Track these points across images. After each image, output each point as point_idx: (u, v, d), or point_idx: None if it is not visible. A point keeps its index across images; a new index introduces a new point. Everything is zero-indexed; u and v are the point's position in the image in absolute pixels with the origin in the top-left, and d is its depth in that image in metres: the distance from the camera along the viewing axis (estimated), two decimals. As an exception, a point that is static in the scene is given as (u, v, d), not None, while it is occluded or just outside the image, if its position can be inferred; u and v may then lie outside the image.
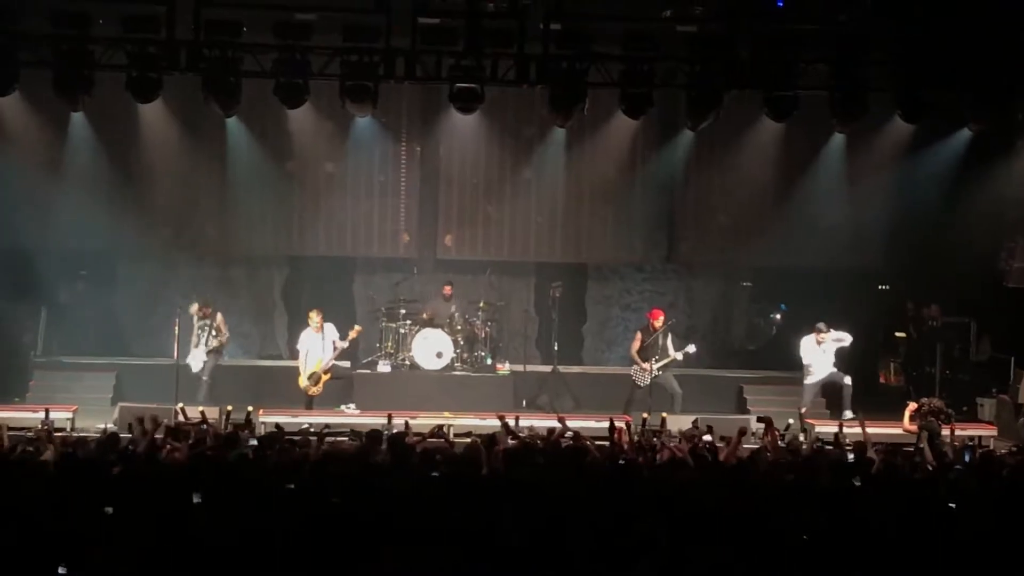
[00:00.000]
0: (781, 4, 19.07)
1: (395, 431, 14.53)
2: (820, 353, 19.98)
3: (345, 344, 19.94)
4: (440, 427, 14.89)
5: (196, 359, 19.95)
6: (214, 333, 19.92)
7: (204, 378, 19.81)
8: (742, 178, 22.65)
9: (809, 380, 20.08)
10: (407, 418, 16.44)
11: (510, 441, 13.85)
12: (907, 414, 17.07)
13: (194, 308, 20.05)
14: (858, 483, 11.51)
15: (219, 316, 20.11)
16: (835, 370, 20.05)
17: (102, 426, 16.55)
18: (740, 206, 22.91)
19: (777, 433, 15.22)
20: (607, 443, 13.71)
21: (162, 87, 18.79)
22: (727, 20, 19.15)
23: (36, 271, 21.85)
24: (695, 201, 23.22)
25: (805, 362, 20.07)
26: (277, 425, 15.20)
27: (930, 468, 12.97)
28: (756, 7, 19.16)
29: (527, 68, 18.83)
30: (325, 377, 19.75)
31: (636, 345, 20.11)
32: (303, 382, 19.76)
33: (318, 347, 19.83)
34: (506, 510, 9.94)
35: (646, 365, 19.79)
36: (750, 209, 22.80)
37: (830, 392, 20.41)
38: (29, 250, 21.59)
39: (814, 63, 19.20)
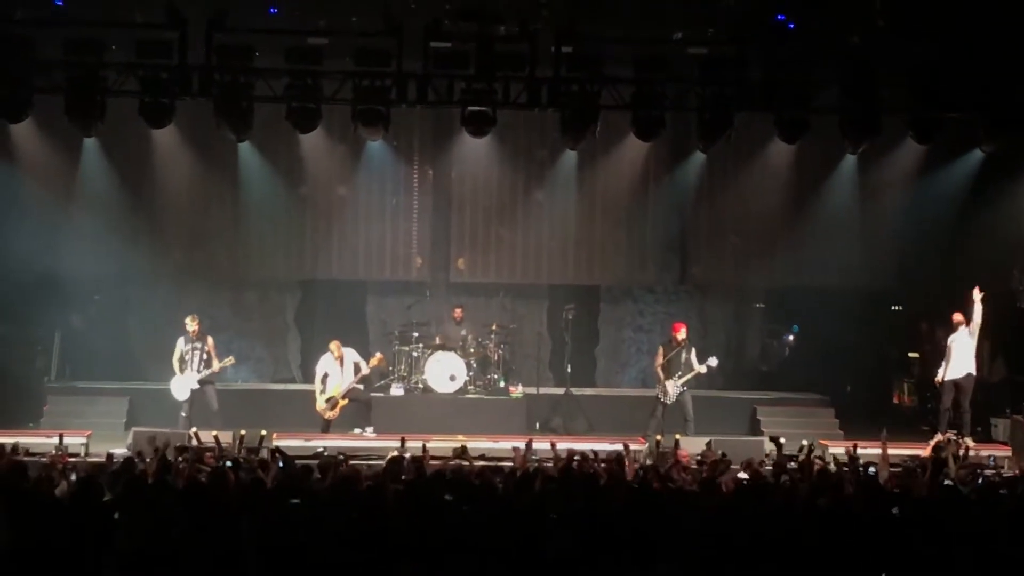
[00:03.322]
0: (792, 26, 19.08)
1: (411, 454, 14.52)
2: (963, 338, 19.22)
3: (366, 371, 19.88)
4: (464, 447, 14.92)
5: (183, 386, 19.36)
6: (205, 358, 19.40)
7: (183, 414, 19.19)
8: (754, 199, 22.64)
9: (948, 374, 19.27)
10: (423, 441, 16.42)
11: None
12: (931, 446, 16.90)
13: (191, 323, 19.43)
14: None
15: (210, 340, 19.62)
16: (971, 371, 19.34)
17: (120, 451, 16.48)
18: (752, 227, 22.90)
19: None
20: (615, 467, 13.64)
21: (175, 112, 18.84)
22: (738, 42, 19.15)
23: (50, 296, 21.89)
24: (707, 222, 23.21)
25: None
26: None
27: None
28: (767, 29, 19.15)
29: (539, 91, 18.85)
30: (343, 402, 19.70)
31: (659, 360, 19.95)
32: (320, 405, 19.71)
33: (337, 372, 19.77)
34: (519, 535, 9.93)
35: (670, 383, 19.67)
36: (762, 230, 22.79)
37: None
38: (43, 275, 21.63)
39: (826, 84, 19.22)
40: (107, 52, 18.60)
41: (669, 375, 19.75)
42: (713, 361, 19.83)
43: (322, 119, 19.21)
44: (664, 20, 19.17)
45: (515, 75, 18.77)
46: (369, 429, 19.71)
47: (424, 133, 22.61)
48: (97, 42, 18.46)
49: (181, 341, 19.46)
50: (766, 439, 18.69)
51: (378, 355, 20.41)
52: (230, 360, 19.62)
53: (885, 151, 20.99)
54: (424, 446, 15.65)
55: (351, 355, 19.89)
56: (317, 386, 19.83)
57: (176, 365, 19.42)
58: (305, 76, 18.66)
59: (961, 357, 19.21)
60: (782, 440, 15.95)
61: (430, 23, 18.52)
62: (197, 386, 19.33)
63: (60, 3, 18.56)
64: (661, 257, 23.50)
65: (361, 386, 20.11)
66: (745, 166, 22.20)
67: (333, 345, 19.84)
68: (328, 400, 19.66)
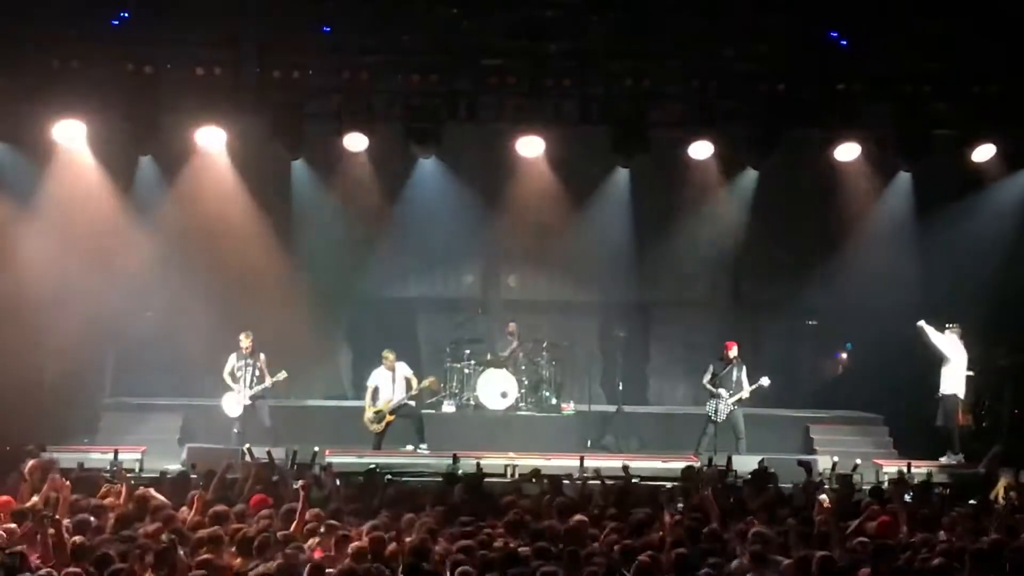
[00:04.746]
0: (845, 44, 19.00)
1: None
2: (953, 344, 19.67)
3: (415, 391, 19.88)
4: (537, 471, 14.93)
5: (235, 402, 19.64)
6: (257, 374, 19.63)
7: (236, 430, 19.46)
8: (806, 215, 22.50)
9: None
10: (476, 459, 16.50)
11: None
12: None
13: (244, 340, 19.69)
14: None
15: (262, 356, 19.81)
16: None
17: (175, 467, 16.63)
18: (804, 244, 22.76)
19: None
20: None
21: (228, 130, 18.98)
22: (790, 59, 19.11)
23: (104, 313, 22.01)
24: (759, 239, 23.04)
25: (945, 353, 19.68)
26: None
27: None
28: (820, 46, 19.09)
29: (590, 108, 18.87)
30: (390, 418, 19.73)
31: (707, 376, 19.96)
32: (368, 417, 19.75)
33: (388, 386, 19.80)
34: None
35: (720, 401, 19.63)
36: (815, 246, 22.64)
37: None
38: (98, 292, 21.74)
39: (878, 100, 19.12)
40: (162, 71, 18.74)
41: (719, 393, 19.72)
42: (765, 381, 19.81)
43: (374, 136, 19.27)
44: (714, 37, 19.15)
45: (566, 92, 18.79)
46: (423, 447, 19.68)
47: (475, 150, 22.55)
48: (152, 61, 18.61)
49: (233, 357, 19.62)
50: (819, 458, 18.62)
51: (431, 378, 20.40)
52: (283, 374, 19.69)
53: (939, 166, 20.79)
54: (478, 464, 15.72)
55: (403, 369, 19.91)
56: (368, 398, 19.88)
57: (228, 380, 19.57)
58: (357, 94, 18.75)
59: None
60: (836, 460, 15.83)
61: (481, 41, 18.58)
62: (249, 402, 19.46)
63: (116, 23, 18.73)
64: (712, 274, 23.44)
65: (412, 403, 20.11)
66: (797, 182, 22.04)
67: (387, 353, 19.87)
68: (376, 413, 19.70)
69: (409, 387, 19.78)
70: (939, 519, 12.86)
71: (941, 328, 19.83)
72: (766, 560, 10.66)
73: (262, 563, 10.18)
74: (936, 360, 19.93)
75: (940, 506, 14.16)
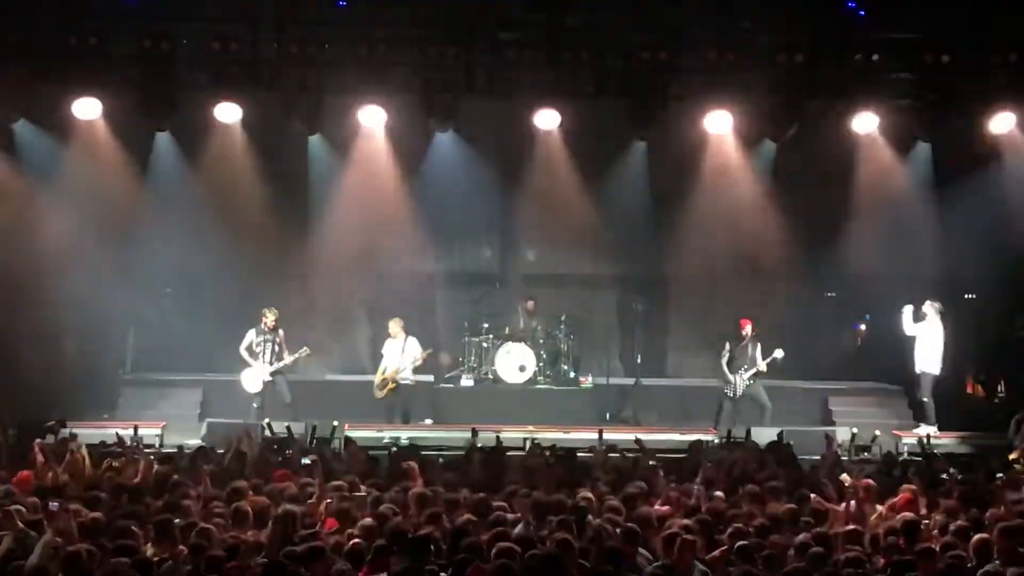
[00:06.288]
0: (863, 13, 18.92)
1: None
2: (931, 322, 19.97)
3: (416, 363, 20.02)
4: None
5: (254, 378, 19.68)
6: (277, 350, 19.70)
7: (255, 405, 19.52)
8: (824, 187, 22.37)
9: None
10: (495, 432, 16.54)
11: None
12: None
13: (269, 316, 19.74)
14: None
15: (281, 332, 19.88)
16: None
17: (194, 442, 16.72)
18: (823, 215, 22.65)
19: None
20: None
21: (245, 106, 18.98)
22: (809, 30, 19.04)
23: (123, 289, 22.06)
24: (778, 211, 22.95)
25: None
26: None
27: None
28: (838, 17, 19.01)
29: (607, 81, 18.83)
30: (392, 385, 19.83)
31: (725, 357, 19.95)
32: (376, 382, 19.97)
33: (397, 355, 19.98)
34: None
35: (736, 377, 19.65)
36: (833, 218, 22.53)
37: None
38: (116, 268, 21.79)
39: (897, 71, 19.04)
40: (179, 47, 18.75)
41: (735, 370, 19.72)
42: (779, 353, 19.79)
43: (391, 111, 19.24)
44: (732, 8, 19.08)
45: (584, 65, 18.76)
46: (427, 420, 19.85)
47: (493, 123, 22.46)
48: (169, 37, 18.61)
49: (252, 332, 19.67)
50: (836, 429, 18.63)
51: (428, 350, 20.39)
52: (305, 351, 19.72)
53: (958, 137, 20.69)
54: (497, 437, 15.76)
55: (413, 346, 19.96)
56: (380, 367, 20.05)
57: (244, 355, 19.63)
58: (374, 68, 18.74)
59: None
60: (855, 431, 15.76)
61: (498, 14, 18.55)
62: (269, 378, 19.50)
63: (132, 3, 18.77)
64: (731, 246, 23.31)
65: (430, 377, 20.18)
66: (815, 153, 21.91)
67: (392, 323, 20.05)
68: (383, 380, 19.85)
69: (414, 361, 19.91)
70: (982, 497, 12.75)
71: (924, 301, 20.20)
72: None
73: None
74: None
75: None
